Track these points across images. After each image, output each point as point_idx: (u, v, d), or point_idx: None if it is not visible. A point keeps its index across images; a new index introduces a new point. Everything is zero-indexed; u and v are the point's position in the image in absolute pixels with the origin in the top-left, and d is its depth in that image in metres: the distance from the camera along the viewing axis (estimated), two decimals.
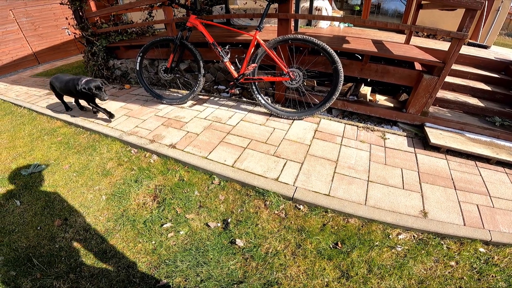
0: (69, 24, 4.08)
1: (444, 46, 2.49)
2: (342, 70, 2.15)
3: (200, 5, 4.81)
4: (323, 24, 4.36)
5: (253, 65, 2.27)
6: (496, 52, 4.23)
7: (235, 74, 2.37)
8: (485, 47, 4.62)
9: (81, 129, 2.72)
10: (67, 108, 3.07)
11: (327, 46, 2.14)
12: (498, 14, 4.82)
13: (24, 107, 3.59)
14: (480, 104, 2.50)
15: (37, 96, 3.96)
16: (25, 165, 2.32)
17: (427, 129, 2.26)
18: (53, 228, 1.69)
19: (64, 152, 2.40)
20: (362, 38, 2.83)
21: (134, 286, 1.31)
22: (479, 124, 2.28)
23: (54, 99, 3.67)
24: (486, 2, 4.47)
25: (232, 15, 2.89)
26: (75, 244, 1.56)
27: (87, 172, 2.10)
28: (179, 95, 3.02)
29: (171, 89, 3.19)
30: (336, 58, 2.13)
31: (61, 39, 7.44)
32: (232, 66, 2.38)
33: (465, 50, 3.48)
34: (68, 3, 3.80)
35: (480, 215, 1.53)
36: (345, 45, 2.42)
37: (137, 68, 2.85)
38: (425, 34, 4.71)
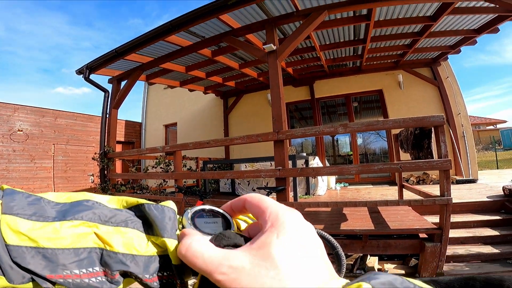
0: (93, 175, 4.54)
1: (436, 189, 2.48)
2: (343, 254, 2.15)
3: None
4: (321, 192, 4.74)
5: None
6: (486, 186, 4.39)
7: None
8: (473, 181, 4.88)
9: None
10: None
11: (326, 234, 2.22)
12: (466, 140, 5.36)
13: None
14: (495, 250, 2.47)
15: None
16: None
17: None
18: None
19: None
20: (359, 208, 3.06)
21: None
22: (503, 269, 2.24)
23: None
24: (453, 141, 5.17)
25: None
26: None
27: None
28: None
29: None
30: (336, 244, 2.17)
31: (83, 186, 7.90)
32: None
33: (456, 193, 3.61)
34: (99, 158, 4.28)
35: None
36: (343, 225, 2.57)
37: None
38: (415, 181, 5.13)
